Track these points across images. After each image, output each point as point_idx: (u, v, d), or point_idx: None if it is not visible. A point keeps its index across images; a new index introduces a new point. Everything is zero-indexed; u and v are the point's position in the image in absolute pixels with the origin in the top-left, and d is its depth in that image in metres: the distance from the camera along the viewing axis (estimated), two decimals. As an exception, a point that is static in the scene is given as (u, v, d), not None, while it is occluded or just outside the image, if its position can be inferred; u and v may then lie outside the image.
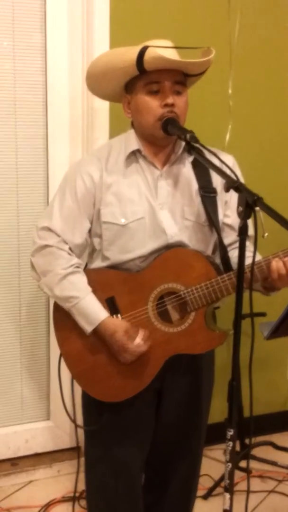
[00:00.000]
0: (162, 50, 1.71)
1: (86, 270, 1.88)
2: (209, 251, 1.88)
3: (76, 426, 2.00)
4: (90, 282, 1.84)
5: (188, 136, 1.69)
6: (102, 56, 1.88)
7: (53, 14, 2.48)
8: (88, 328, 1.81)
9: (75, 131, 2.60)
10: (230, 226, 1.92)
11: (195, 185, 1.87)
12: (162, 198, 1.83)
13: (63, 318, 1.86)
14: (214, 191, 1.87)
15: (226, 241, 1.90)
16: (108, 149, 1.90)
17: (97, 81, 1.90)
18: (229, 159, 1.89)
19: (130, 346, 1.78)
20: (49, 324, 2.78)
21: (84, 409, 2.01)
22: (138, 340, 1.78)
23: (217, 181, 1.87)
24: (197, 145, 1.71)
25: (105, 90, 1.92)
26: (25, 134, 2.58)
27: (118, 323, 1.80)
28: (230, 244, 1.91)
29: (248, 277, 1.59)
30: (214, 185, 1.87)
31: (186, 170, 1.88)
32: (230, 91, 2.72)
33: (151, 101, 1.77)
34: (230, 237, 1.92)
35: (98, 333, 1.82)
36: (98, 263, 1.89)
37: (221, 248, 1.86)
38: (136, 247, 1.83)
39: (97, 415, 1.92)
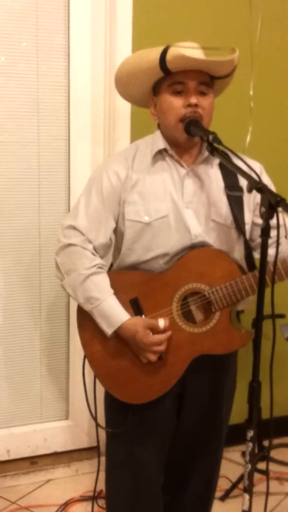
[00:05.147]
0: (184, 49, 1.72)
1: (109, 273, 1.88)
2: (235, 253, 1.87)
3: (99, 427, 2.00)
4: (114, 284, 1.83)
5: (211, 137, 1.70)
6: (128, 59, 1.89)
7: (76, 16, 2.50)
8: (109, 331, 1.81)
9: (97, 132, 2.62)
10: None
11: (221, 186, 1.86)
12: (188, 197, 1.83)
13: (87, 319, 1.87)
14: (240, 189, 1.86)
15: (259, 240, 1.89)
16: (134, 149, 1.91)
17: (125, 84, 1.91)
18: (256, 166, 1.89)
19: (153, 338, 1.77)
20: (69, 324, 2.80)
21: (107, 411, 2.02)
22: (161, 322, 1.77)
23: (244, 182, 1.85)
24: (221, 147, 1.71)
25: (133, 93, 1.93)
26: (47, 135, 2.60)
27: (137, 322, 1.80)
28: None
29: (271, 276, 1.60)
30: (240, 184, 1.87)
31: (213, 171, 1.88)
32: (251, 93, 2.72)
33: (175, 101, 1.78)
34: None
35: (119, 335, 1.82)
36: (122, 262, 1.89)
37: (246, 247, 1.86)
38: (160, 245, 1.83)
39: (120, 417, 1.92)
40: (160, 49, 1.74)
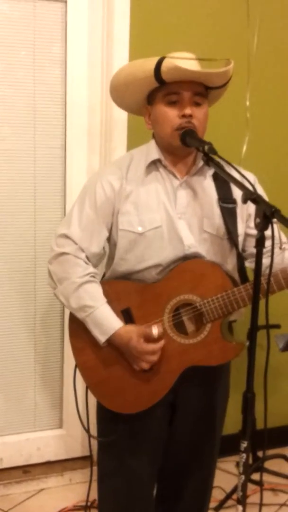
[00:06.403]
0: (179, 60, 1.72)
1: (102, 282, 1.88)
2: (228, 265, 1.87)
3: (90, 436, 1.99)
4: (106, 293, 1.83)
5: (206, 147, 1.70)
6: (123, 67, 1.89)
7: (74, 26, 2.51)
8: (102, 339, 1.81)
9: (93, 141, 2.62)
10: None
11: (215, 197, 1.87)
12: (181, 208, 1.84)
13: (79, 328, 1.86)
14: (233, 201, 1.86)
15: (252, 250, 1.89)
16: (129, 159, 1.91)
17: (120, 93, 1.91)
18: (250, 177, 1.89)
19: (147, 346, 1.76)
20: (63, 333, 2.79)
21: (98, 420, 2.01)
22: (155, 330, 1.75)
23: (237, 193, 1.86)
24: (216, 157, 1.72)
25: (128, 102, 1.94)
26: (43, 143, 2.61)
27: (131, 330, 1.79)
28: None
29: (265, 288, 1.59)
30: (234, 196, 1.87)
31: (207, 182, 1.88)
32: (247, 103, 2.73)
33: (170, 112, 1.78)
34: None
35: (112, 343, 1.81)
36: (114, 271, 1.89)
37: (238, 259, 1.86)
38: (153, 256, 1.82)
39: (112, 426, 1.91)
40: (155, 60, 1.74)
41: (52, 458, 2.90)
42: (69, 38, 2.52)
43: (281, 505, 2.69)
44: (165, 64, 1.72)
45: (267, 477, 2.84)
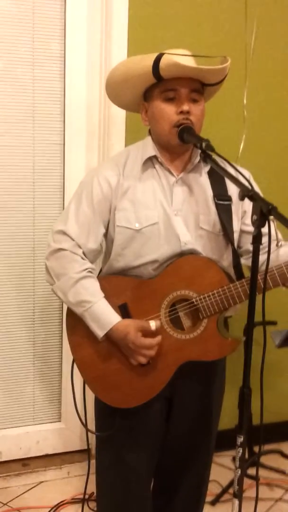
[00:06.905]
0: (177, 57, 1.73)
1: (99, 277, 1.89)
2: (224, 261, 1.87)
3: (88, 430, 2.01)
4: (103, 289, 1.84)
5: (204, 144, 1.71)
6: (120, 64, 1.89)
7: (72, 23, 2.52)
8: (100, 333, 1.81)
9: (92, 137, 2.63)
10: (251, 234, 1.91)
11: (210, 194, 1.87)
12: (177, 204, 1.84)
13: (76, 323, 1.87)
14: (229, 198, 1.87)
15: (247, 247, 1.91)
16: (125, 155, 1.91)
17: (117, 89, 1.91)
18: (245, 172, 1.90)
19: (145, 341, 1.77)
20: (62, 327, 2.81)
21: (96, 415, 2.02)
22: (153, 324, 1.78)
23: (233, 190, 1.87)
24: (213, 154, 1.73)
25: (124, 98, 1.93)
26: (42, 139, 2.62)
27: (128, 324, 1.79)
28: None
29: (261, 285, 1.61)
30: (229, 193, 1.88)
31: (202, 179, 1.89)
32: (245, 101, 2.73)
33: (167, 108, 1.79)
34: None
35: (110, 338, 1.82)
36: (111, 267, 1.89)
37: (234, 255, 1.87)
38: (149, 252, 1.83)
39: (110, 421, 1.92)
40: (153, 56, 1.75)
41: (51, 451, 2.92)
42: (67, 34, 2.53)
43: (277, 500, 2.72)
44: (164, 61, 1.73)
45: (263, 472, 2.86)
